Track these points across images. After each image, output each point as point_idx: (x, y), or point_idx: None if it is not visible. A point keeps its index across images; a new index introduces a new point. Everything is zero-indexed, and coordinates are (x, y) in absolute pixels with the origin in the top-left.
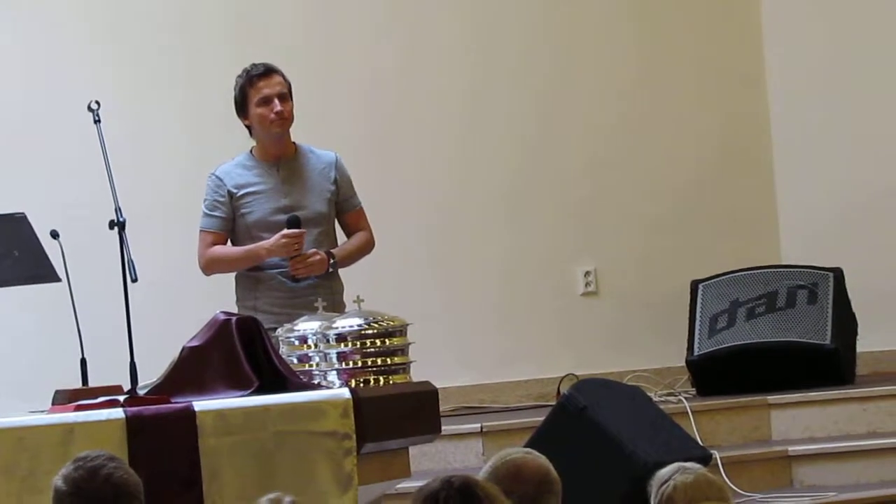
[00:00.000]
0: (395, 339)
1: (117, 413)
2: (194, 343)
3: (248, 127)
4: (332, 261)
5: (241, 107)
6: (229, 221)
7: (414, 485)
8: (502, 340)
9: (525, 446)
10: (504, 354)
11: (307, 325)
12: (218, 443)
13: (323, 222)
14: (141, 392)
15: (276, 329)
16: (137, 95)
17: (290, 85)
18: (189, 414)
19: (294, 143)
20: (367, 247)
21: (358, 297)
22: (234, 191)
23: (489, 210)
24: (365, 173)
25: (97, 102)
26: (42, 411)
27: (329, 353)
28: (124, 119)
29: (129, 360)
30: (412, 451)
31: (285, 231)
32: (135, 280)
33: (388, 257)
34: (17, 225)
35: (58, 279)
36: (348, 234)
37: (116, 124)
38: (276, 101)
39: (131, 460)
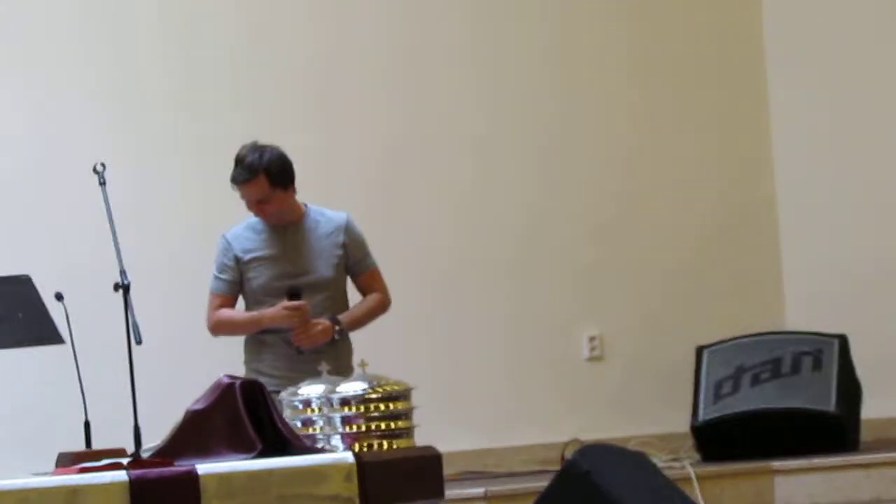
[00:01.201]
0: (399, 403)
1: (121, 476)
2: (198, 406)
3: None
4: (337, 328)
5: None
6: (237, 284)
7: None
8: (507, 405)
9: None
10: (509, 419)
11: (311, 389)
12: None
13: (329, 287)
14: (144, 455)
15: (278, 392)
16: (142, 158)
17: (275, 176)
18: (192, 477)
19: (304, 205)
20: (380, 308)
21: (362, 360)
22: (241, 255)
23: (494, 275)
24: (369, 236)
25: (102, 164)
26: (46, 474)
27: (333, 417)
28: (129, 181)
29: (132, 422)
30: None
31: (285, 303)
32: (139, 342)
33: (393, 321)
34: (21, 287)
35: (62, 341)
36: (363, 296)
37: (121, 186)
38: (253, 207)
39: None
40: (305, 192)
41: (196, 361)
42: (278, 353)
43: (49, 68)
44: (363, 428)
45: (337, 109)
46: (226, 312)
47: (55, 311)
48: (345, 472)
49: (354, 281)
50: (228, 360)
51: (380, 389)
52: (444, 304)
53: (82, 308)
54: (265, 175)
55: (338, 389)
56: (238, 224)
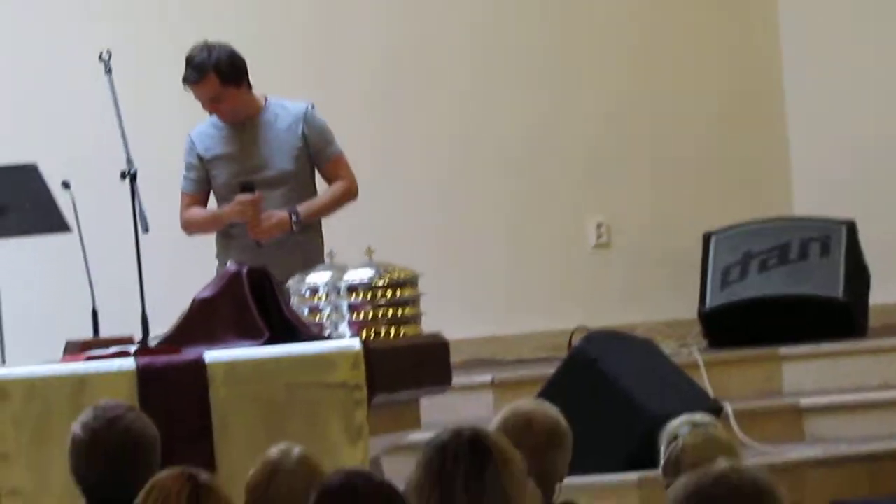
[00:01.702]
0: (405, 291)
1: (128, 364)
2: (205, 294)
3: None
4: (294, 219)
5: None
6: (205, 182)
7: (424, 436)
8: (514, 292)
9: (536, 398)
10: (515, 307)
11: (318, 277)
12: (228, 393)
13: (289, 180)
14: (152, 343)
15: None
16: (148, 45)
17: (225, 74)
18: (200, 365)
19: (264, 98)
20: (344, 195)
21: (369, 248)
22: (203, 154)
23: (501, 161)
24: (376, 123)
25: (108, 52)
26: (54, 362)
27: (340, 304)
28: (136, 69)
29: (140, 310)
30: (423, 402)
31: (238, 197)
32: (146, 231)
33: (399, 208)
34: (28, 176)
35: (69, 230)
36: (329, 185)
37: (127, 74)
38: (206, 106)
39: (142, 410)
40: (305, 81)
41: (203, 250)
42: (244, 246)
43: None
44: (370, 315)
45: (337, 10)
46: (193, 212)
47: (62, 199)
48: (352, 359)
49: (320, 172)
50: None
51: (387, 276)
52: (451, 192)
53: (89, 196)
54: (215, 73)
55: (345, 277)
56: (204, 121)
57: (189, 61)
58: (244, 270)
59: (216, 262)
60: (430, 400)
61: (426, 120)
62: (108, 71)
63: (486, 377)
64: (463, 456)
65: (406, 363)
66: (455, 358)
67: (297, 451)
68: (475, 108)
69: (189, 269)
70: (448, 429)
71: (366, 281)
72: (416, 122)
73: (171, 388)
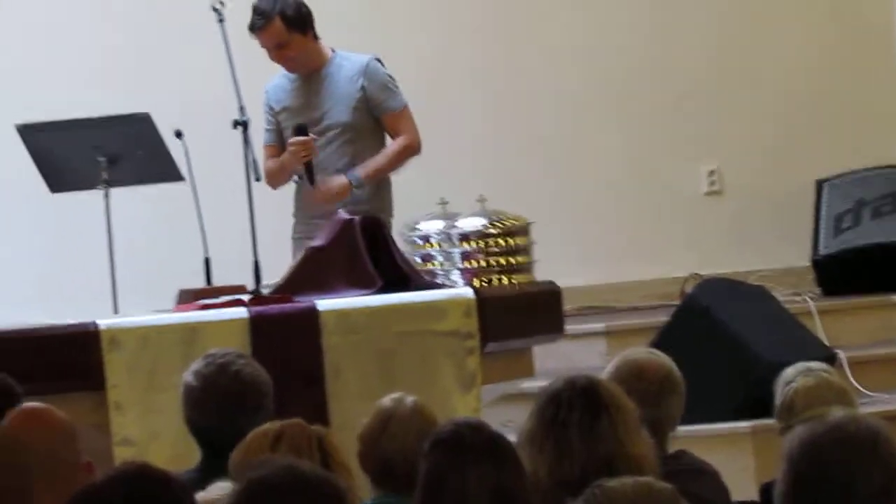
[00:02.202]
0: (518, 239)
1: (241, 312)
2: (318, 243)
3: None
4: (354, 183)
5: None
6: (279, 134)
7: (537, 384)
8: (626, 240)
9: (649, 346)
10: (628, 254)
11: (430, 224)
12: (341, 341)
13: (348, 132)
14: (264, 291)
15: (306, 237)
16: None
17: (291, 20)
18: (312, 313)
19: (331, 51)
20: (404, 152)
21: (481, 196)
22: (275, 106)
23: (612, 108)
24: (486, 68)
25: (221, 2)
26: (166, 310)
27: (452, 253)
28: (248, 18)
29: (252, 259)
30: (535, 350)
31: (291, 140)
32: (258, 179)
33: (511, 156)
34: (141, 125)
35: (182, 179)
36: (392, 139)
37: (241, 23)
38: (274, 53)
39: (254, 358)
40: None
41: None
42: (307, 195)
43: None
44: (482, 263)
45: None
46: (268, 164)
47: (175, 148)
48: (464, 307)
49: (383, 126)
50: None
51: (499, 224)
52: (562, 139)
53: (201, 145)
54: (280, 18)
55: (457, 224)
56: (277, 75)
57: (255, 9)
58: (357, 219)
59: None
60: (543, 348)
61: (535, 68)
62: (221, 20)
63: (599, 325)
64: (577, 405)
65: (518, 311)
66: (567, 305)
67: (410, 400)
68: (584, 55)
69: None
70: (561, 377)
71: (478, 229)
72: (524, 71)
73: (284, 337)
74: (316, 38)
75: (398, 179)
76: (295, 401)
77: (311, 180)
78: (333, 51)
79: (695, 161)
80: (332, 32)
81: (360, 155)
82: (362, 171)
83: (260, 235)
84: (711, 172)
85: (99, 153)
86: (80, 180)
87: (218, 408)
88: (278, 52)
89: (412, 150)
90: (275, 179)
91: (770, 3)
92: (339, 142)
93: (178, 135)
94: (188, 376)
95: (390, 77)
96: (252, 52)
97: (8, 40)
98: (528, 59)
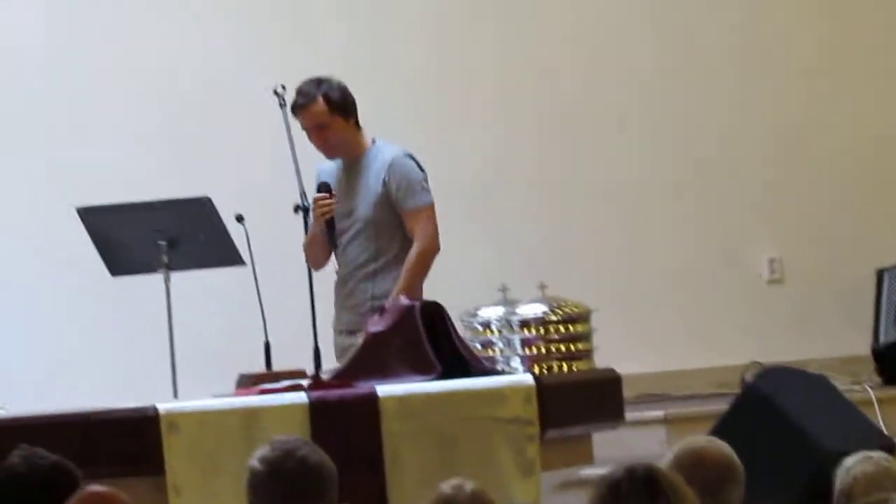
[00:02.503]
0: (578, 326)
1: (301, 397)
2: (378, 328)
3: None
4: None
5: None
6: None
7: (596, 471)
8: (686, 328)
9: (708, 434)
10: (688, 342)
11: (490, 311)
12: (401, 427)
13: (371, 227)
14: (324, 376)
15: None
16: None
17: (334, 102)
18: (372, 398)
19: (371, 141)
20: (421, 261)
21: (542, 283)
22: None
23: (676, 197)
24: (546, 159)
25: (283, 86)
26: (226, 395)
27: (512, 339)
28: None
29: (312, 344)
30: (594, 437)
31: (315, 195)
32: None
33: (573, 243)
34: (202, 209)
35: (242, 263)
36: (410, 237)
37: None
38: (313, 134)
39: (314, 443)
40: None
41: None
42: (335, 288)
43: None
44: (543, 350)
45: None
46: (305, 240)
47: (235, 232)
48: (524, 394)
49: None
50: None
51: (559, 312)
52: (624, 226)
53: (262, 229)
54: (323, 99)
55: (517, 311)
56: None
57: (299, 90)
58: (417, 305)
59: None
60: (602, 435)
61: (602, 154)
62: (282, 104)
63: (659, 412)
64: (636, 493)
65: (578, 398)
66: (627, 392)
67: (469, 486)
68: (652, 142)
69: None
70: (621, 465)
71: (539, 316)
72: (585, 161)
73: (344, 422)
74: (358, 126)
75: (460, 266)
76: (354, 486)
77: (332, 240)
78: (374, 141)
79: (756, 249)
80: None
81: (383, 250)
82: (395, 293)
83: (320, 321)
84: (772, 261)
85: (160, 237)
86: (141, 264)
87: (283, 494)
88: (318, 134)
89: (428, 254)
90: (308, 252)
91: (831, 95)
92: (363, 236)
93: (239, 219)
94: (254, 461)
95: (418, 174)
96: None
97: (69, 123)
98: (588, 148)
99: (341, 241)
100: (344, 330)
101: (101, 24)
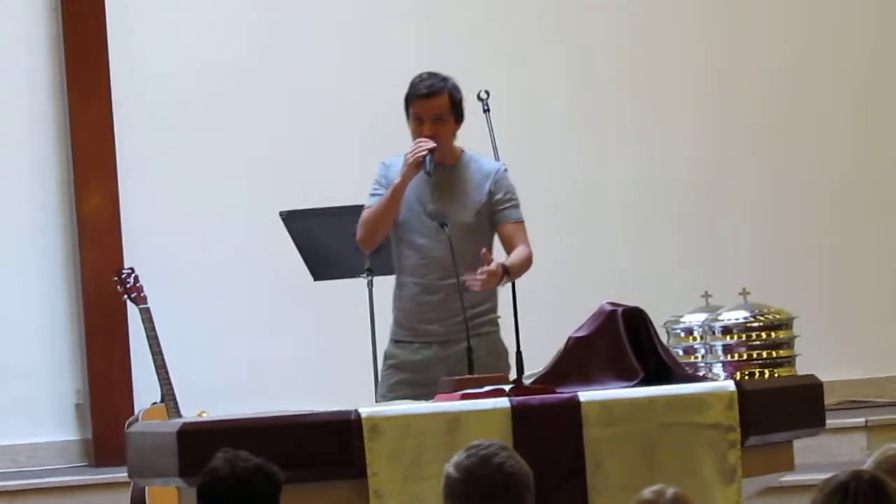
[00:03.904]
0: (780, 332)
1: (503, 402)
2: (581, 333)
3: None
4: (505, 277)
5: (406, 111)
6: None
7: (797, 478)
8: (889, 335)
9: None
10: (890, 349)
11: (693, 317)
12: (602, 433)
13: (468, 233)
14: (526, 382)
15: (410, 342)
16: (527, 87)
17: (456, 100)
18: (574, 404)
19: (459, 149)
20: (528, 262)
21: (744, 289)
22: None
23: (882, 204)
24: (756, 163)
25: (486, 92)
26: (428, 400)
27: (714, 346)
28: (514, 110)
29: (515, 349)
30: (795, 444)
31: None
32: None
33: (776, 249)
34: None
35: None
36: (504, 246)
37: (502, 112)
38: (428, 124)
39: (515, 449)
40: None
41: (580, 289)
42: (410, 298)
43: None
44: (744, 356)
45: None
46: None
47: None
48: (726, 400)
49: (499, 230)
50: (612, 287)
51: (762, 318)
52: (830, 234)
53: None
54: (448, 95)
55: (720, 318)
56: (399, 154)
57: (423, 79)
58: (620, 310)
59: (600, 299)
60: (802, 441)
61: (807, 163)
62: (487, 109)
63: (860, 419)
64: (865, 496)
65: (780, 405)
66: (828, 399)
67: (671, 492)
68: (855, 152)
69: (564, 306)
70: (847, 470)
71: (741, 322)
72: (794, 166)
73: (546, 427)
74: (455, 135)
75: (662, 271)
76: (555, 493)
77: (429, 167)
78: (462, 150)
79: None
80: None
81: (466, 254)
82: (510, 265)
83: (523, 326)
84: None
85: None
86: (344, 268)
87: (479, 501)
88: (433, 126)
89: (531, 262)
90: (372, 223)
91: None
92: (460, 240)
93: (443, 224)
94: (449, 467)
95: (514, 188)
96: (517, 140)
97: (278, 126)
98: (795, 155)
99: (425, 247)
100: (434, 342)
101: (315, 30)
